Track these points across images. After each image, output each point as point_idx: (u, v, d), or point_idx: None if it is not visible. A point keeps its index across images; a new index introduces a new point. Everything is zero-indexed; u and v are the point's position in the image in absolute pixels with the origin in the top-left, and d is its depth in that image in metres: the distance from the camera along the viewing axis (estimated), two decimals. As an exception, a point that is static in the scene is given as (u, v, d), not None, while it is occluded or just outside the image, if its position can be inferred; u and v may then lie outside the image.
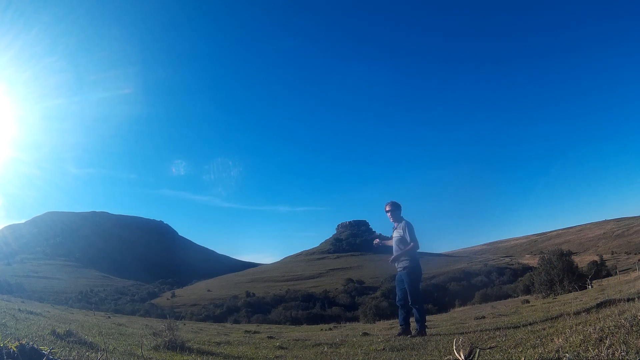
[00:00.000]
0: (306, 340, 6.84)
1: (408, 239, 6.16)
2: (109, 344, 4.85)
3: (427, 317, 6.65)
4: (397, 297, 6.38)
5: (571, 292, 14.40)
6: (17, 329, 5.22)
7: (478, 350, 2.93)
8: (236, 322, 38.69)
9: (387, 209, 6.43)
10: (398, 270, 6.35)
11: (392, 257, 6.34)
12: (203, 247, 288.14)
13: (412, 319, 6.39)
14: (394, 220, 6.42)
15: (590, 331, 3.32)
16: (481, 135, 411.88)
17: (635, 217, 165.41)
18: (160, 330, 6.01)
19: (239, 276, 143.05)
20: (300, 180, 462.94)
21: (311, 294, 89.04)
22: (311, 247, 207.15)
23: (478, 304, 27.61)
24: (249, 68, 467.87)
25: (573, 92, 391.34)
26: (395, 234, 6.35)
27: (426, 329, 6.05)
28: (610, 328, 3.24)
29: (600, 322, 3.73)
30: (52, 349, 2.67)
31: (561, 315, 5.67)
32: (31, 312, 8.61)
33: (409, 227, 6.23)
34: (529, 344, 3.69)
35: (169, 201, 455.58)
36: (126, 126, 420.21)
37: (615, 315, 3.91)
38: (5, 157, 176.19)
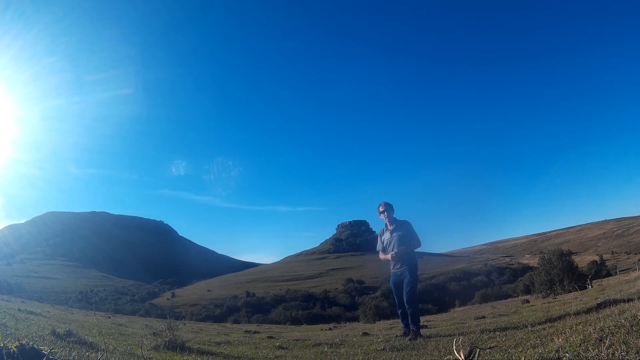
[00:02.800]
0: (306, 340, 6.83)
1: (417, 237, 6.09)
2: (109, 344, 4.85)
3: (428, 317, 6.56)
4: (397, 302, 6.15)
5: (571, 292, 14.41)
6: (17, 329, 5.21)
7: (478, 350, 2.93)
8: (236, 322, 38.71)
9: (381, 209, 6.24)
10: (397, 270, 6.07)
11: (397, 252, 6.01)
12: (203, 247, 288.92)
13: None
14: (389, 221, 6.21)
15: (590, 331, 3.32)
16: (481, 135, 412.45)
17: (635, 217, 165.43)
18: (160, 330, 6.02)
19: (239, 276, 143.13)
20: (301, 180, 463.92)
21: (311, 294, 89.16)
22: (311, 247, 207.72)
23: (478, 304, 27.64)
24: (249, 68, 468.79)
25: (573, 92, 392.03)
26: (395, 234, 6.13)
27: (421, 329, 5.94)
28: (610, 328, 3.24)
29: (600, 322, 3.73)
30: (52, 349, 2.67)
31: (561, 315, 5.67)
32: (31, 312, 8.61)
33: (412, 226, 6.15)
34: (529, 343, 3.69)
35: (169, 201, 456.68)
36: (126, 126, 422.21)
37: (615, 315, 3.91)
38: (5, 157, 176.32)
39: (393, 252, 6.04)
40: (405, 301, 5.90)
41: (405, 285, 5.94)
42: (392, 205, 6.27)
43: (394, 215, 6.27)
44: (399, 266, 6.07)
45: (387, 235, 6.24)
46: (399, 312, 6.17)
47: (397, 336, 5.88)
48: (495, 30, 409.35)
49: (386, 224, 6.26)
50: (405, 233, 6.08)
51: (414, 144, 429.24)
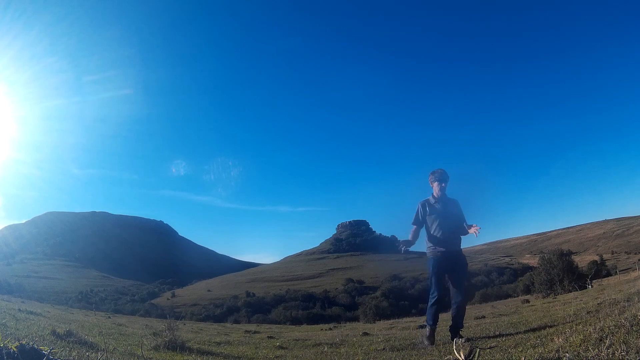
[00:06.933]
0: (306, 340, 6.84)
1: (464, 218, 4.99)
2: (109, 344, 4.85)
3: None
4: (438, 289, 4.78)
5: (571, 291, 14.42)
6: (17, 329, 5.21)
7: (478, 350, 2.93)
8: (236, 322, 38.74)
9: (441, 178, 4.98)
10: (447, 252, 4.83)
11: (463, 227, 4.87)
12: (203, 247, 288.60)
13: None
14: (443, 194, 5.00)
15: (590, 331, 3.32)
16: (481, 135, 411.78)
17: (635, 217, 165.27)
18: (160, 330, 6.02)
19: (239, 276, 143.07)
20: (301, 180, 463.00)
21: (311, 294, 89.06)
22: (311, 247, 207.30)
23: (478, 304, 27.61)
24: (249, 68, 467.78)
25: (573, 92, 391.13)
26: (454, 210, 4.99)
27: (422, 328, 5.14)
28: (610, 328, 3.23)
29: (600, 321, 3.73)
30: (52, 349, 2.67)
31: (561, 315, 5.67)
32: (31, 312, 8.61)
33: None
34: (529, 343, 3.69)
35: (169, 201, 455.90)
36: (126, 126, 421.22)
37: (615, 315, 3.91)
38: (5, 158, 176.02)
39: (474, 227, 4.77)
40: (462, 294, 4.75)
41: (462, 275, 4.88)
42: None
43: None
44: (452, 248, 4.87)
45: (438, 207, 4.95)
46: (434, 309, 4.76)
47: (428, 344, 4.65)
48: (495, 31, 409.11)
49: (436, 196, 5.01)
50: (461, 212, 5.03)
51: (413, 143, 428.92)
